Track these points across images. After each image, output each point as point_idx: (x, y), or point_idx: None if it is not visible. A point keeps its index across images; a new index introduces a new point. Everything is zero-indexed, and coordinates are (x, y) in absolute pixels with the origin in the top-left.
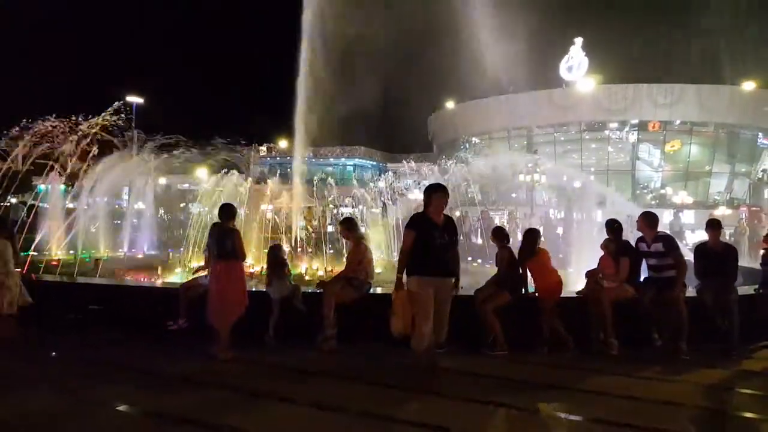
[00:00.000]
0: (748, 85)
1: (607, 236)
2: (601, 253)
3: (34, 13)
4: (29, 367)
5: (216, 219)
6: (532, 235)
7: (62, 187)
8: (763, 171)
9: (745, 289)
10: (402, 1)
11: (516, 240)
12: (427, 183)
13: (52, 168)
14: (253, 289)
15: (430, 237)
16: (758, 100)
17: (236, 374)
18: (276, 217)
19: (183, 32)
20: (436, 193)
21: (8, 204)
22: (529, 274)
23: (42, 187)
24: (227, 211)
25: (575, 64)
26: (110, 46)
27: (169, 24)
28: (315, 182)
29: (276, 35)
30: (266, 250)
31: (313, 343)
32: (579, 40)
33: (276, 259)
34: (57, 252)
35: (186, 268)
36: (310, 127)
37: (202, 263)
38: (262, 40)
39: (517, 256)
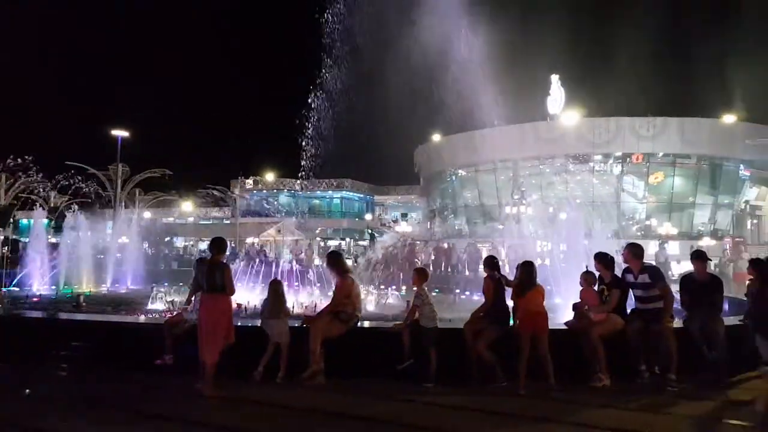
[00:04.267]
0: (729, 118)
1: (594, 268)
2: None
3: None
4: (6, 405)
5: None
6: (529, 267)
7: (45, 221)
8: (746, 202)
9: (730, 320)
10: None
11: (504, 271)
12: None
13: (35, 202)
14: (239, 324)
15: None
16: (739, 133)
17: (221, 411)
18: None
19: (173, 67)
20: None
21: None
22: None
23: (24, 221)
24: (218, 245)
25: (557, 99)
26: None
27: (159, 58)
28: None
29: (268, 68)
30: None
31: (299, 379)
32: (555, 77)
33: (277, 295)
34: (38, 288)
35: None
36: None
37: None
38: (253, 76)
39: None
